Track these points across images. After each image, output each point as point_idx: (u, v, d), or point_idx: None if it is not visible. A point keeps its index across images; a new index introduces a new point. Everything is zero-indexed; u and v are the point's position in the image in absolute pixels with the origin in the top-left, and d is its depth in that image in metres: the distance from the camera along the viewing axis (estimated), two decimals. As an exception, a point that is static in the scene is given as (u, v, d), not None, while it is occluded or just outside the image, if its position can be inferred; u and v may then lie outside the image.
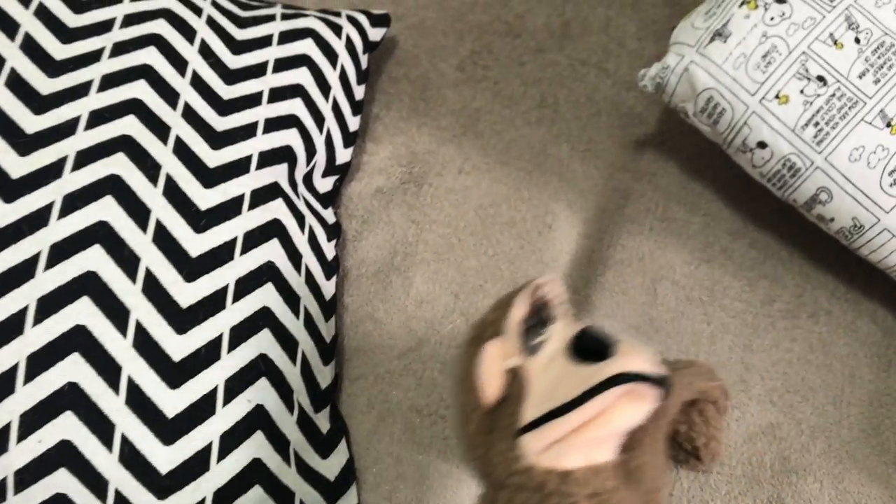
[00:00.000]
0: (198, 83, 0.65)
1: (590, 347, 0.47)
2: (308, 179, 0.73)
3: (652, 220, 0.75)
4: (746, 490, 0.61)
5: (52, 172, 0.57)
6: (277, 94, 0.68)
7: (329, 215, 0.74)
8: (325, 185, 0.75)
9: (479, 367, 0.49)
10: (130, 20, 0.64)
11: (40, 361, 0.53)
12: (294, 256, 0.65)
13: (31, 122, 0.58)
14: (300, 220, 0.67)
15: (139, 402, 0.54)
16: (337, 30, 0.76)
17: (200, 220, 0.60)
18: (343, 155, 0.76)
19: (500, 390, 0.48)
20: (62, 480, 0.53)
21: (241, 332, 0.58)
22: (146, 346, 0.55)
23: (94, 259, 0.56)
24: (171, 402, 0.55)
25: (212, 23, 0.69)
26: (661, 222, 0.75)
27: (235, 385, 0.57)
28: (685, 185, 0.77)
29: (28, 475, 0.53)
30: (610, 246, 0.74)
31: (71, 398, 0.53)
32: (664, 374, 0.45)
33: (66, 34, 0.62)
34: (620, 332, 0.50)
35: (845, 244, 0.67)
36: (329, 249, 0.71)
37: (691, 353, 0.68)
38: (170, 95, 0.63)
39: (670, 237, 0.74)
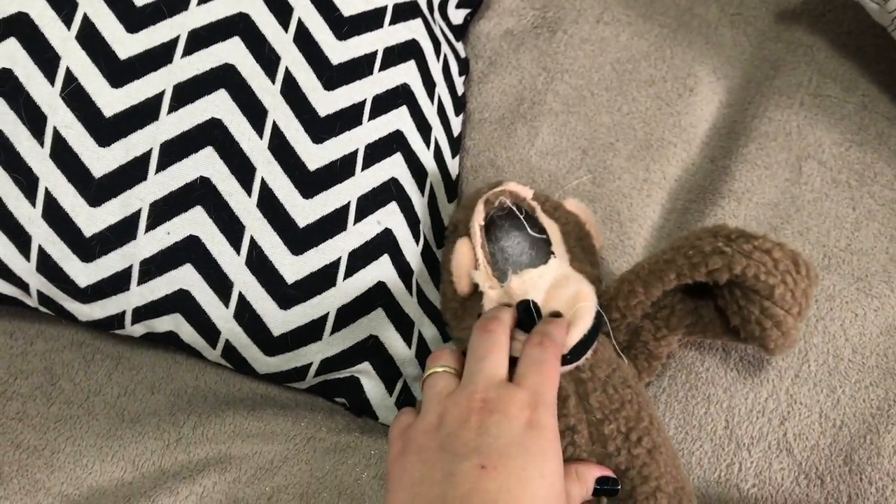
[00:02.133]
0: None
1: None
2: (443, 7, 0.67)
3: (803, 94, 0.70)
4: (879, 381, 0.58)
5: (193, -46, 0.53)
6: None
7: (461, 49, 0.69)
8: (457, 16, 0.70)
9: (451, 262, 0.54)
10: None
11: (174, 151, 0.51)
12: (428, 83, 0.61)
13: None
14: (436, 45, 0.63)
15: (271, 206, 0.52)
16: None
17: (343, 27, 0.55)
18: (479, -14, 0.71)
19: (469, 288, 0.53)
20: (187, 276, 0.52)
21: (375, 152, 0.55)
22: (281, 149, 0.52)
23: (233, 51, 0.52)
24: (303, 211, 0.53)
25: None
26: (813, 98, 0.69)
27: (367, 204, 0.54)
28: (843, 62, 0.71)
29: (154, 266, 0.51)
30: (755, 117, 0.69)
31: (202, 193, 0.51)
32: (575, 346, 0.47)
33: None
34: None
35: None
36: (459, 84, 0.67)
37: (832, 236, 0.63)
38: None
39: (822, 115, 0.69)
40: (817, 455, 0.56)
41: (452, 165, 0.64)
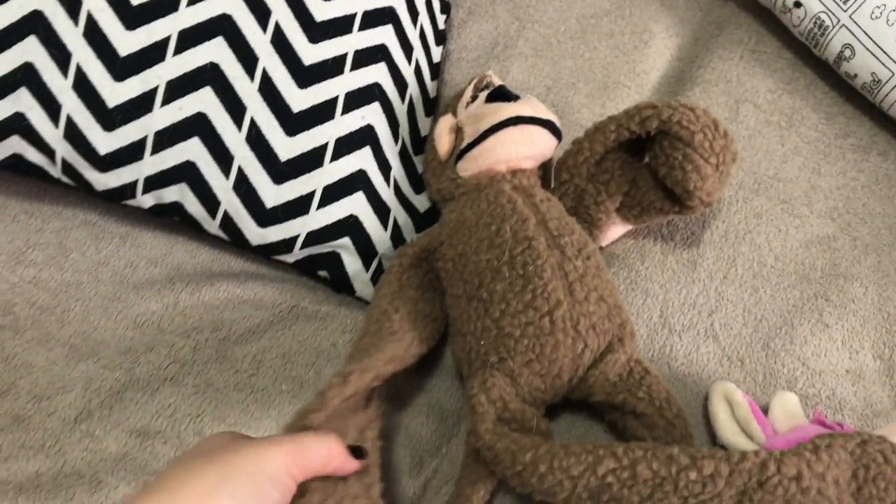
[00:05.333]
0: None
1: (504, 97, 0.62)
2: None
3: (743, 50, 0.79)
4: (795, 284, 0.66)
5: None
6: None
7: (443, -7, 0.78)
8: (440, -31, 0.79)
9: (434, 132, 0.64)
10: None
11: (190, 38, 0.59)
12: (412, 11, 0.69)
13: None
14: (420, -18, 0.72)
15: (270, 92, 0.60)
16: None
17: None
18: (462, -57, 0.80)
19: (450, 146, 0.63)
20: (194, 148, 0.59)
21: (362, 57, 0.63)
22: (281, 45, 0.60)
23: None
24: (298, 99, 0.60)
25: None
26: (751, 53, 0.79)
27: (353, 100, 0.62)
28: (780, 25, 0.80)
29: (165, 138, 0.59)
30: (700, 67, 0.78)
31: (212, 75, 0.59)
32: (553, 119, 0.61)
33: None
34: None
35: (871, 100, 0.73)
36: (441, 20, 0.75)
37: (762, 166, 0.72)
38: None
39: (759, 67, 0.78)
40: (739, 342, 0.64)
41: (431, 86, 0.72)
